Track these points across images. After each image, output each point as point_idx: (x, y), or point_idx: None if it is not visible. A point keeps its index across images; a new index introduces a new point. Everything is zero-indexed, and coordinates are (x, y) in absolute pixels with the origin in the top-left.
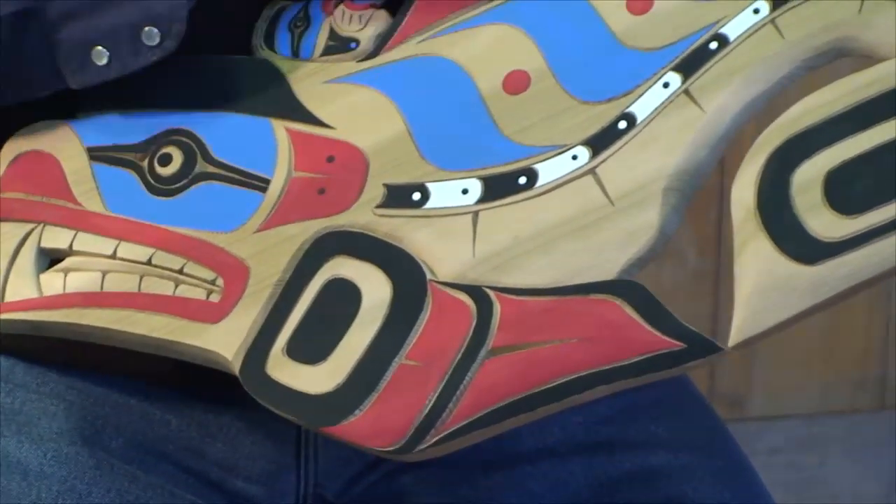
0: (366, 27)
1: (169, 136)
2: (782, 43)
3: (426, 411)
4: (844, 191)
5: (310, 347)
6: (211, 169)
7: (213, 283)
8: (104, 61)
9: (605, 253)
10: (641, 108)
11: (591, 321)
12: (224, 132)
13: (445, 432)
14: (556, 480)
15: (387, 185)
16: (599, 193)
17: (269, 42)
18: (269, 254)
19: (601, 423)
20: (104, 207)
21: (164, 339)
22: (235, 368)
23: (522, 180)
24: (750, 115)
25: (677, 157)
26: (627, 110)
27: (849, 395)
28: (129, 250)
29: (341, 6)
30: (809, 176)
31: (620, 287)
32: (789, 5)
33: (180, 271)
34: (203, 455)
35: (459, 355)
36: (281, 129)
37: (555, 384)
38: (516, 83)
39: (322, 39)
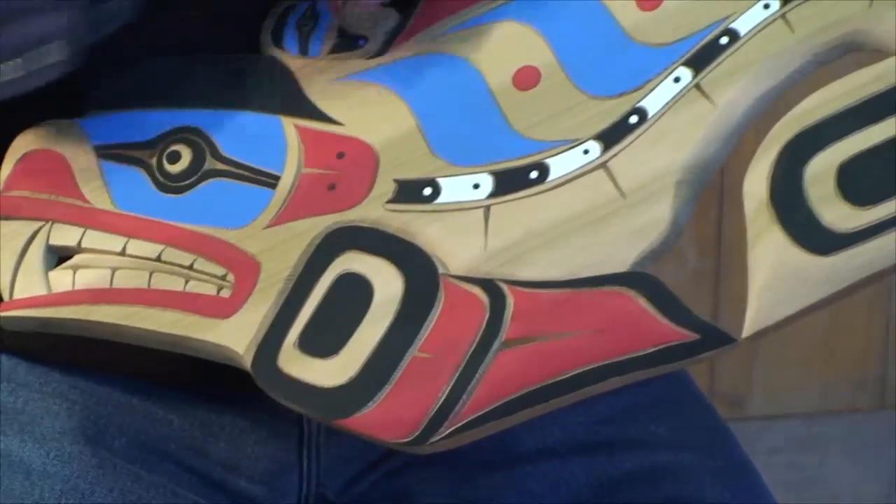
0: (374, 25)
1: (177, 134)
2: (793, 38)
3: (439, 403)
4: (858, 182)
5: (322, 341)
6: (220, 166)
7: (223, 278)
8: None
9: (617, 246)
10: (652, 103)
11: (604, 313)
12: (233, 130)
13: (458, 424)
14: (556, 480)
15: (397, 181)
16: (611, 187)
17: (277, 40)
18: (279, 249)
19: (601, 423)
20: (113, 205)
21: (174, 334)
22: (247, 363)
23: (534, 175)
24: (761, 110)
25: (689, 150)
26: (638, 105)
27: (849, 394)
28: (138, 247)
29: (349, 4)
30: (822, 168)
31: (633, 279)
32: (799, 0)
33: (190, 267)
34: (205, 454)
35: (472, 348)
36: (290, 127)
37: (568, 376)
38: (526, 79)
39: (330, 37)
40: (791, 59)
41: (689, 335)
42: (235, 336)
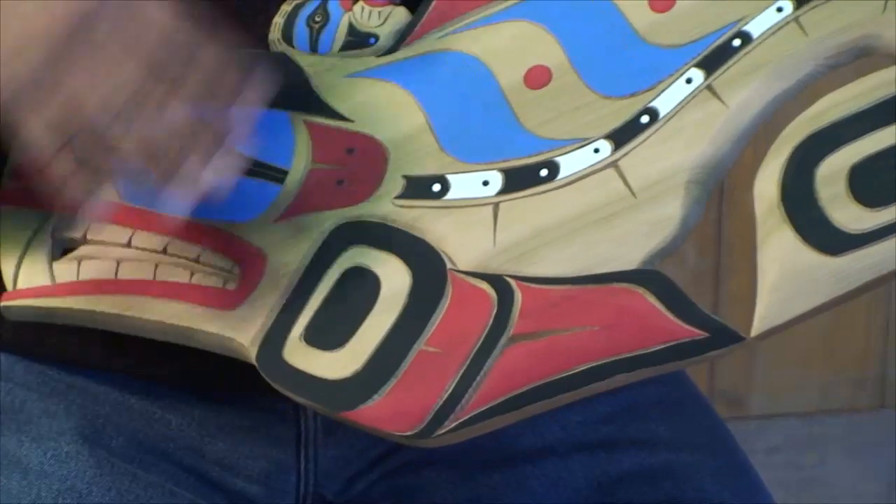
0: (385, 23)
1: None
2: (805, 41)
3: (445, 397)
4: (869, 184)
5: (328, 334)
6: None
7: (229, 271)
8: None
9: (626, 244)
10: (664, 103)
11: (612, 309)
12: None
13: (464, 418)
14: (556, 479)
15: (406, 177)
16: (621, 185)
17: (288, 37)
18: (287, 243)
19: (601, 422)
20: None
21: (179, 325)
22: (252, 355)
23: (544, 172)
24: (773, 112)
25: (699, 150)
26: (650, 105)
27: (848, 394)
28: (143, 239)
29: (360, 2)
30: (834, 169)
31: (643, 276)
32: (813, 4)
33: (196, 260)
34: (203, 454)
35: (480, 342)
36: (300, 123)
37: (575, 371)
38: (537, 78)
39: (341, 35)
40: (803, 62)
41: (698, 333)
42: (240, 328)
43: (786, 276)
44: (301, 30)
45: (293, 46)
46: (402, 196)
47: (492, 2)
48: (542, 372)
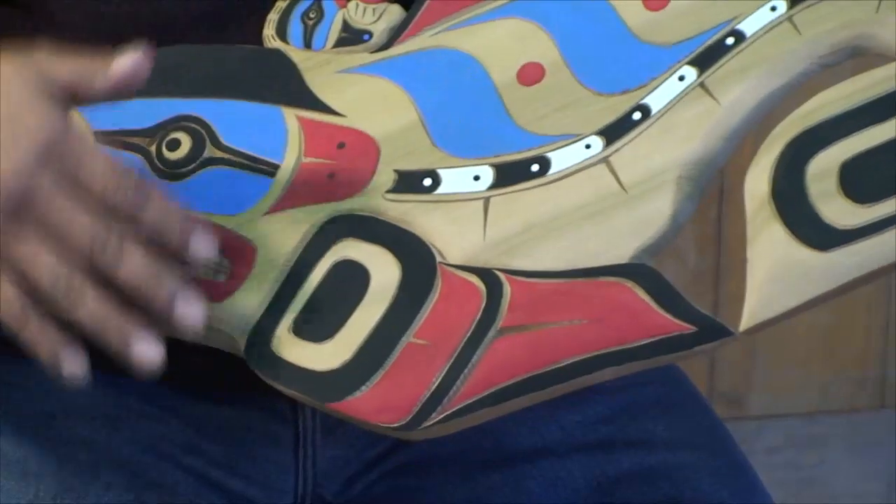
0: (379, 20)
1: (178, 122)
2: (799, 40)
3: (433, 389)
4: (860, 180)
5: (317, 326)
6: (219, 154)
7: (219, 263)
8: None
9: (616, 239)
10: (656, 100)
11: (601, 303)
12: (234, 119)
13: (451, 410)
14: (554, 480)
15: (398, 171)
16: (612, 181)
17: (282, 33)
18: (277, 236)
19: (600, 423)
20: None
21: None
22: (240, 346)
23: (535, 168)
24: (766, 110)
25: (691, 147)
26: (642, 102)
27: (848, 394)
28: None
29: None
30: (825, 165)
31: (632, 270)
32: (806, 3)
33: None
34: (202, 455)
35: (468, 335)
36: (292, 117)
37: (564, 364)
38: (531, 75)
39: (335, 31)
40: (796, 61)
41: (687, 327)
42: (229, 320)
43: (776, 271)
44: (295, 26)
45: (287, 42)
46: (393, 190)
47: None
48: (530, 365)
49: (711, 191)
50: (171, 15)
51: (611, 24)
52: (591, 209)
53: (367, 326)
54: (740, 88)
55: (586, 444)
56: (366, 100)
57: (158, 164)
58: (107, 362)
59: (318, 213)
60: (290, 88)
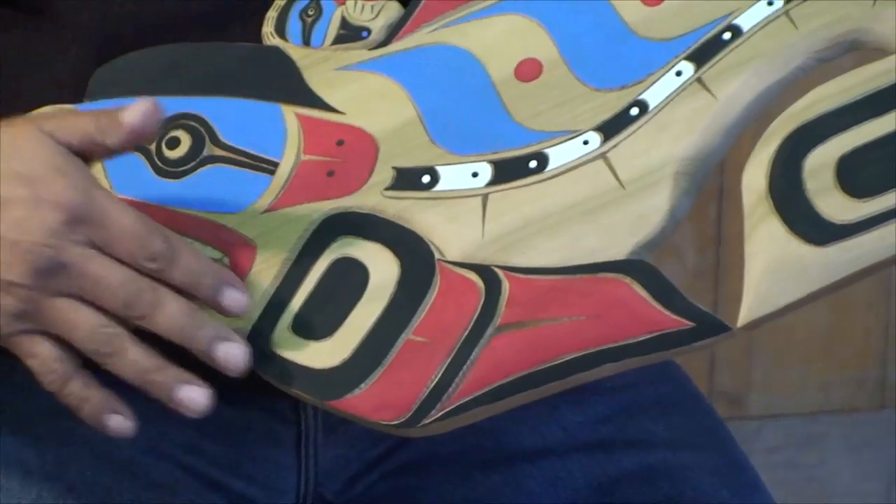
0: (377, 17)
1: (177, 120)
2: (796, 34)
3: (432, 386)
4: (856, 175)
5: (316, 324)
6: (219, 152)
7: (219, 262)
8: None
9: (614, 235)
10: (654, 96)
11: (599, 299)
12: (233, 117)
13: (450, 407)
14: (555, 479)
15: (396, 168)
16: (610, 177)
17: (280, 30)
18: (276, 234)
19: (600, 422)
20: (111, 189)
21: None
22: None
23: (533, 164)
24: (763, 105)
25: (689, 142)
26: (639, 97)
27: (848, 393)
28: None
29: None
30: (822, 160)
31: (630, 266)
32: None
33: None
34: (203, 455)
35: (467, 332)
36: (291, 115)
37: (562, 361)
38: (528, 71)
39: (333, 28)
40: (793, 55)
41: (684, 323)
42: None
43: (773, 266)
44: (294, 23)
45: (286, 40)
46: (391, 187)
47: None
48: (529, 361)
49: (711, 190)
50: (173, 14)
51: (608, 20)
52: (589, 205)
53: (366, 324)
54: (737, 83)
55: (587, 444)
56: (364, 97)
57: (158, 162)
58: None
59: (317, 211)
60: (289, 86)
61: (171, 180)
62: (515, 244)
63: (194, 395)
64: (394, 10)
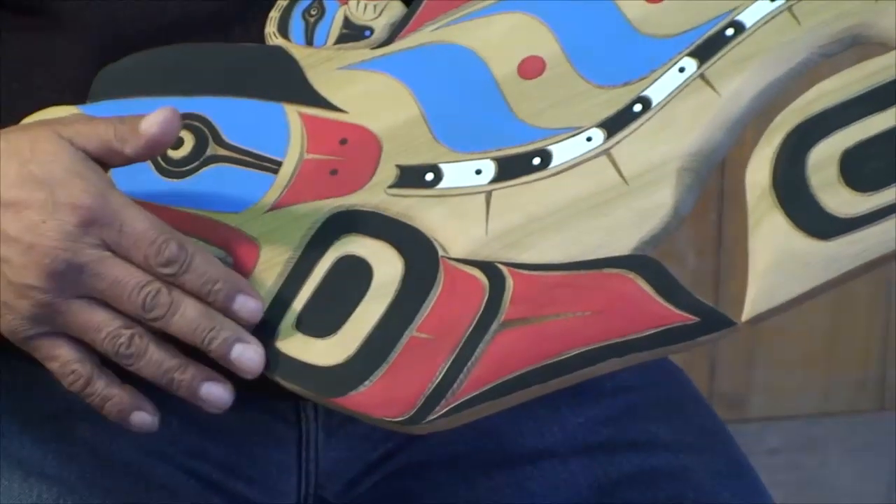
0: (380, 16)
1: (181, 120)
2: (798, 29)
3: (436, 382)
4: (860, 169)
5: (320, 321)
6: (222, 152)
7: (222, 261)
8: None
9: (618, 231)
10: (657, 92)
11: (603, 295)
12: (236, 116)
13: (455, 403)
14: (556, 481)
15: (399, 166)
16: (614, 173)
17: (283, 30)
18: (280, 232)
19: (601, 424)
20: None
21: None
22: None
23: (536, 161)
24: (766, 100)
25: (692, 138)
26: (643, 94)
27: (849, 396)
28: None
29: None
30: (826, 154)
31: (634, 261)
32: None
33: None
34: (204, 456)
35: (471, 328)
36: (294, 114)
37: (567, 357)
38: (531, 68)
39: (336, 28)
40: (796, 50)
41: (689, 318)
42: None
43: (777, 260)
44: (297, 23)
45: (289, 39)
46: (395, 185)
47: None
48: (533, 357)
49: (711, 192)
50: (175, 15)
51: (611, 16)
52: (593, 201)
53: (370, 321)
54: (740, 79)
55: (588, 446)
56: (367, 96)
57: (162, 162)
58: (107, 365)
59: (320, 209)
60: (292, 85)
61: (175, 180)
62: (519, 241)
63: (217, 392)
64: (396, 9)
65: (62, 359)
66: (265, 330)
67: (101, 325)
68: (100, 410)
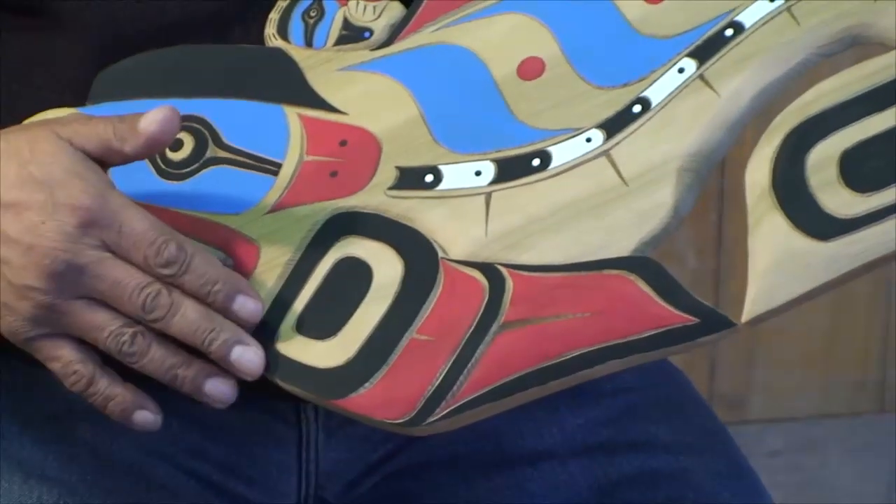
0: (380, 17)
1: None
2: (798, 30)
3: (436, 384)
4: (860, 169)
5: (320, 323)
6: (222, 154)
7: (222, 262)
8: None
9: (618, 232)
10: (656, 93)
11: (603, 296)
12: (236, 118)
13: (456, 405)
14: (555, 482)
15: (399, 168)
16: (613, 174)
17: (283, 32)
18: (280, 234)
19: (601, 425)
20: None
21: None
22: None
23: (536, 162)
24: (765, 100)
25: (692, 138)
26: (642, 95)
27: (849, 397)
28: None
29: None
30: (825, 155)
31: (634, 262)
32: None
33: None
34: (205, 457)
35: (471, 330)
36: (293, 116)
37: (567, 358)
38: (531, 69)
39: (336, 29)
40: (795, 51)
41: (689, 319)
42: None
43: (777, 261)
44: (296, 24)
45: (288, 41)
46: (395, 187)
47: None
48: (533, 358)
49: (711, 193)
50: (175, 17)
51: (610, 17)
52: (593, 202)
53: (370, 323)
54: (740, 79)
55: (587, 447)
56: (367, 97)
57: (161, 164)
58: (108, 365)
59: (320, 211)
60: (292, 87)
61: (175, 182)
62: (519, 242)
63: (221, 387)
64: (396, 11)
65: (64, 359)
66: (265, 331)
67: (104, 324)
68: (102, 410)
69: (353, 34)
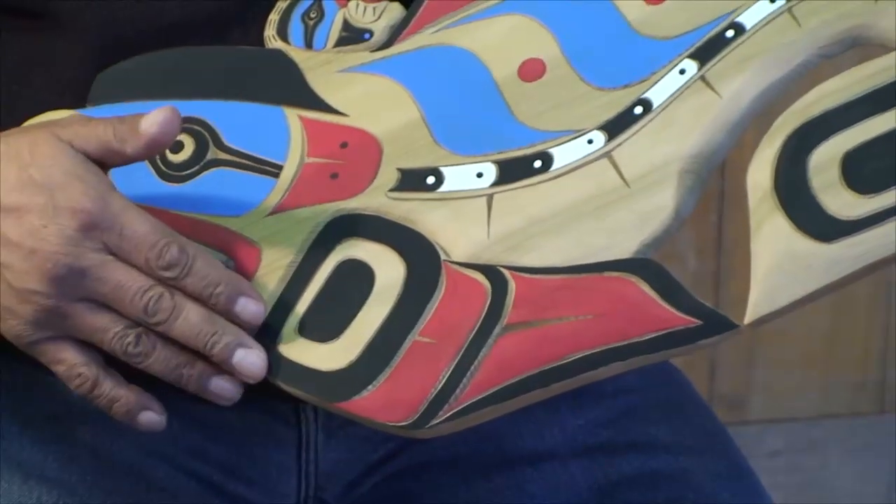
0: (380, 18)
1: (181, 124)
2: (798, 31)
3: (439, 387)
4: (862, 170)
5: (323, 326)
6: (223, 156)
7: (224, 265)
8: None
9: (619, 233)
10: (657, 94)
11: (606, 298)
12: (237, 120)
13: (458, 407)
14: (556, 483)
15: (401, 170)
16: (615, 176)
17: (283, 33)
18: (281, 236)
19: (601, 426)
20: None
21: None
22: None
23: (537, 164)
24: (766, 102)
25: (693, 140)
26: (643, 96)
27: (849, 397)
28: None
29: None
30: (827, 156)
31: (636, 264)
32: None
33: None
34: (205, 457)
35: (473, 332)
36: (294, 117)
37: (569, 360)
38: (531, 70)
39: (335, 30)
40: (796, 52)
41: (691, 321)
42: None
43: (779, 263)
44: (296, 26)
45: (288, 42)
46: (396, 189)
47: None
48: (536, 361)
49: (712, 194)
50: (175, 18)
51: (611, 18)
52: (594, 204)
53: (372, 325)
54: (741, 81)
55: (588, 448)
56: (367, 99)
57: (162, 166)
58: (110, 366)
59: (321, 213)
60: (292, 89)
61: (176, 184)
62: (521, 244)
63: (226, 385)
64: (396, 12)
65: (68, 362)
66: (268, 334)
67: (108, 326)
68: (107, 412)
69: (352, 35)
